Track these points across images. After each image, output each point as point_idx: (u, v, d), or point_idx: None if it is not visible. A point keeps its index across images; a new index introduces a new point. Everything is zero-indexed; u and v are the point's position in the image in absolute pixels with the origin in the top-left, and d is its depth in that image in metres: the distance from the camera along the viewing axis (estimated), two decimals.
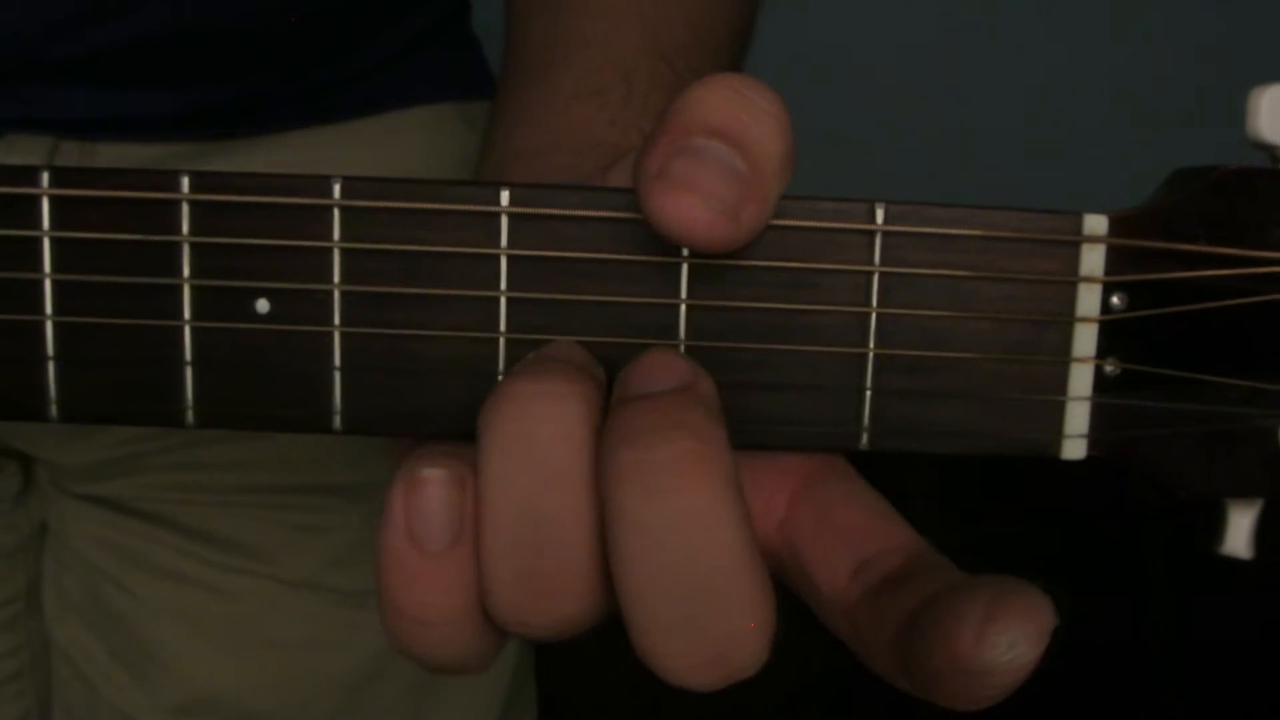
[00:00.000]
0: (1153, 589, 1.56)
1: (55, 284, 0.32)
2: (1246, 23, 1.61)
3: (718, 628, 0.27)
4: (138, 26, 0.48)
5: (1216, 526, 0.34)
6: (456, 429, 0.32)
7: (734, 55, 0.48)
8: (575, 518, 0.28)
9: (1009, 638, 0.26)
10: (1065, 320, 0.31)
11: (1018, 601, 0.27)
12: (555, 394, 0.28)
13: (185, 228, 0.31)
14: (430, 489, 0.29)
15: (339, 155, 0.56)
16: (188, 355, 0.32)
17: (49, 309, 0.32)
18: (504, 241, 0.31)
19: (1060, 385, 0.32)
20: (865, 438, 0.32)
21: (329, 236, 0.31)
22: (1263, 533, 0.34)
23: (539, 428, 0.27)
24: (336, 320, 0.32)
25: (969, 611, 0.27)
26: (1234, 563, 0.35)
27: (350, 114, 0.57)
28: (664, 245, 0.31)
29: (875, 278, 0.31)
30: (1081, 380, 0.32)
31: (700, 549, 0.26)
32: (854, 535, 0.31)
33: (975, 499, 1.63)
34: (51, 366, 0.32)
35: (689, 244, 0.29)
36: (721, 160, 0.28)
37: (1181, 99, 1.58)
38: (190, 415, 0.32)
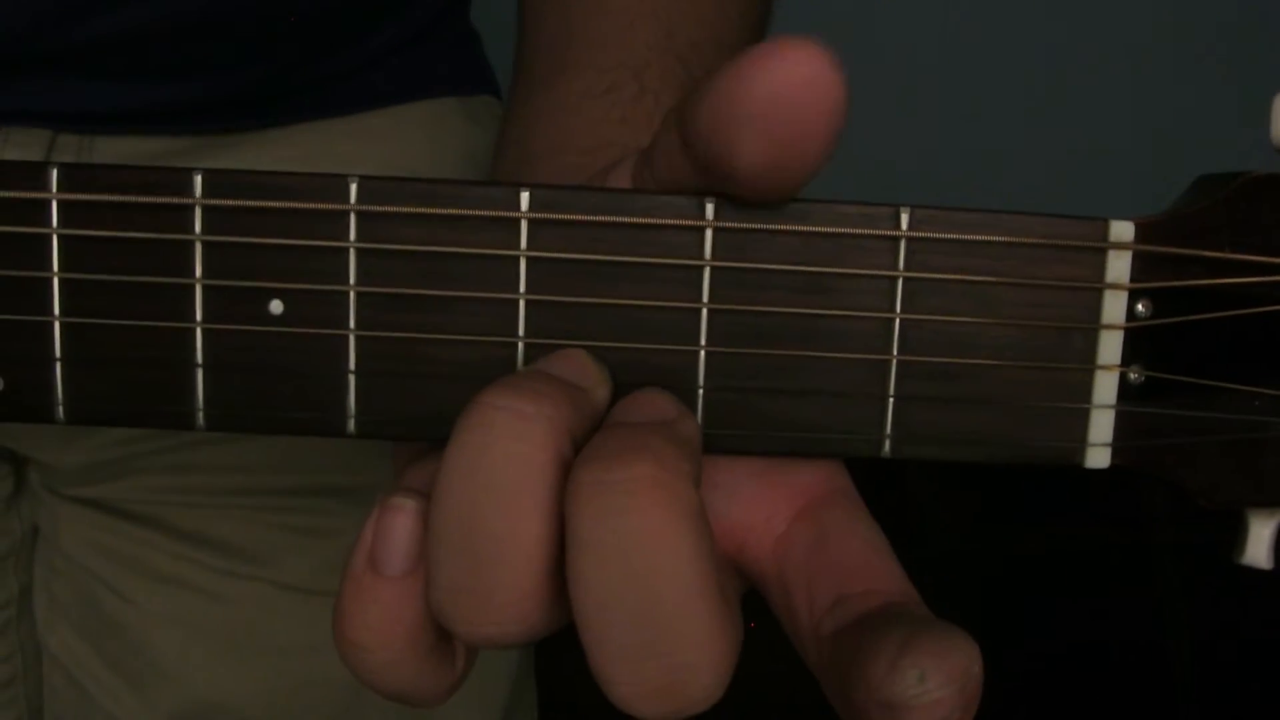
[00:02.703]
0: (1164, 591, 1.56)
1: (63, 283, 0.31)
2: (1277, 29, 1.62)
3: (668, 657, 0.26)
4: (137, 17, 0.48)
5: (1236, 536, 0.34)
6: None
7: None
8: (518, 538, 0.27)
9: (918, 670, 0.26)
10: (1090, 327, 0.31)
11: (933, 637, 0.27)
12: (521, 413, 0.27)
13: (198, 227, 0.31)
14: (399, 516, 0.29)
15: (341, 150, 0.55)
16: (199, 357, 0.31)
17: (56, 309, 0.31)
18: (523, 243, 0.31)
19: (1085, 393, 0.31)
20: (888, 444, 0.31)
21: (344, 237, 0.31)
22: None
23: (496, 443, 0.27)
24: (351, 323, 0.31)
25: (886, 643, 0.27)
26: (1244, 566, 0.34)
27: (351, 108, 0.56)
28: (685, 249, 0.30)
29: (899, 283, 0.31)
30: (1106, 388, 0.31)
31: (650, 574, 0.26)
32: (843, 568, 0.31)
33: (983, 501, 1.63)
34: (59, 367, 0.32)
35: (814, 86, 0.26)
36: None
37: (1210, 106, 1.58)
38: (201, 418, 0.32)
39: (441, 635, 0.30)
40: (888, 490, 1.66)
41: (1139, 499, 1.61)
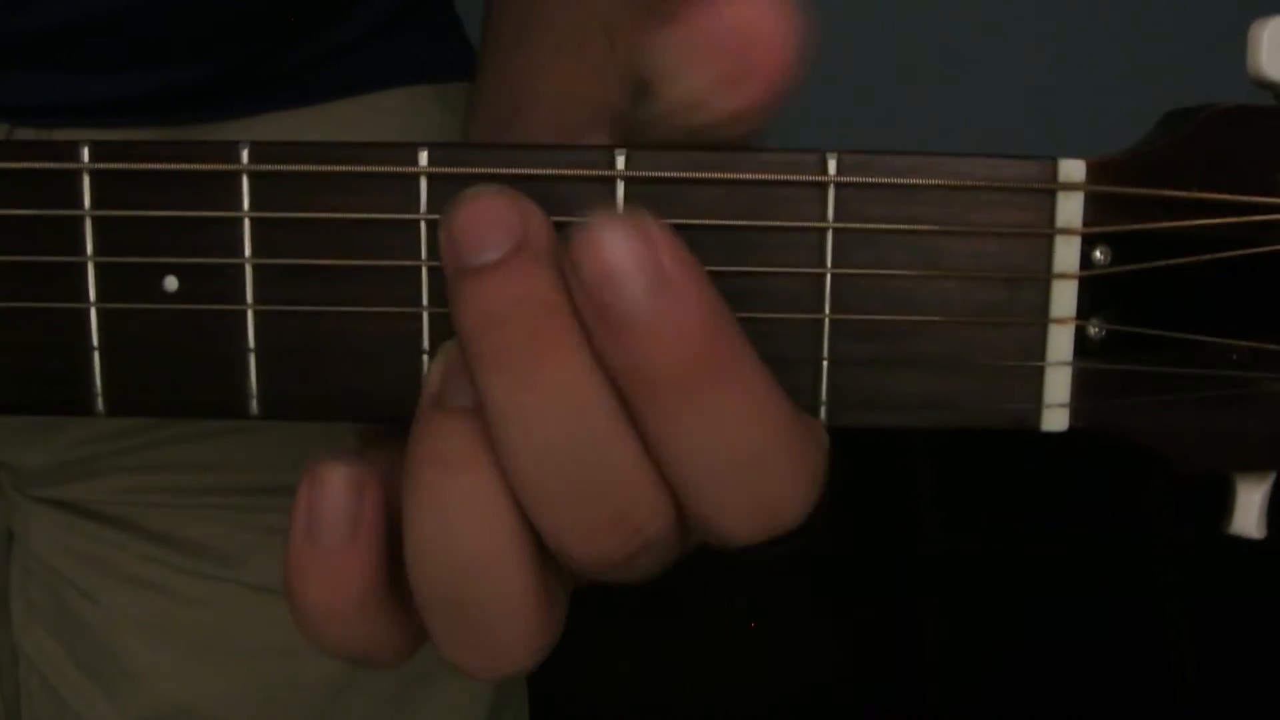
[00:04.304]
0: (1164, 591, 1.53)
1: None
2: None
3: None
4: (95, 5, 0.46)
5: (1224, 503, 0.31)
6: (381, 412, 0.30)
7: None
8: (511, 598, 0.28)
9: None
10: (1041, 277, 0.28)
11: None
12: (467, 492, 0.27)
13: (87, 201, 0.29)
14: (328, 488, 0.28)
15: (312, 139, 0.53)
16: (94, 339, 0.30)
17: None
18: (423, 206, 0.29)
19: (1038, 349, 0.29)
20: (824, 411, 0.29)
21: (238, 206, 0.29)
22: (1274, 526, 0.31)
23: (456, 525, 0.27)
24: (249, 297, 0.29)
25: None
26: (1243, 565, 0.32)
27: (323, 97, 0.55)
28: (596, 204, 0.28)
29: (829, 235, 0.28)
30: (1061, 343, 0.29)
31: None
32: None
33: (983, 499, 1.61)
34: None
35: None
36: None
37: (1184, 45, 1.52)
38: (100, 403, 0.30)
39: (391, 593, 0.29)
40: (887, 488, 1.63)
41: (1139, 498, 1.57)
